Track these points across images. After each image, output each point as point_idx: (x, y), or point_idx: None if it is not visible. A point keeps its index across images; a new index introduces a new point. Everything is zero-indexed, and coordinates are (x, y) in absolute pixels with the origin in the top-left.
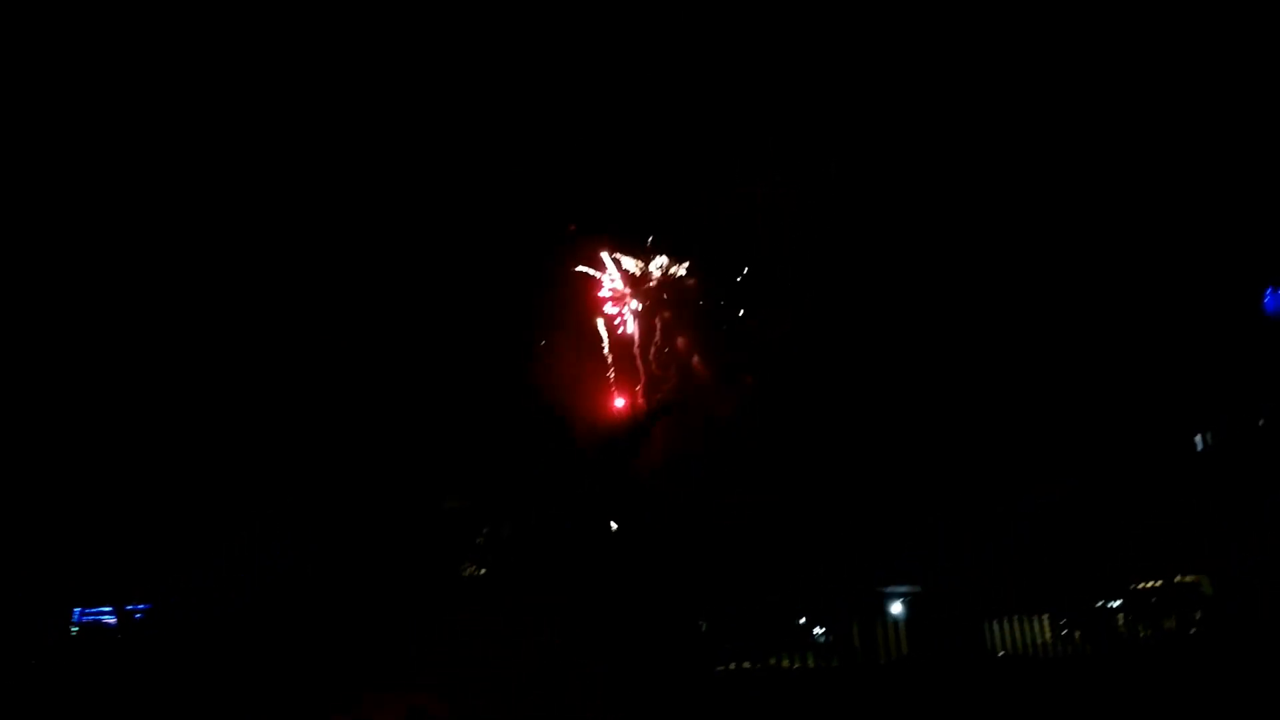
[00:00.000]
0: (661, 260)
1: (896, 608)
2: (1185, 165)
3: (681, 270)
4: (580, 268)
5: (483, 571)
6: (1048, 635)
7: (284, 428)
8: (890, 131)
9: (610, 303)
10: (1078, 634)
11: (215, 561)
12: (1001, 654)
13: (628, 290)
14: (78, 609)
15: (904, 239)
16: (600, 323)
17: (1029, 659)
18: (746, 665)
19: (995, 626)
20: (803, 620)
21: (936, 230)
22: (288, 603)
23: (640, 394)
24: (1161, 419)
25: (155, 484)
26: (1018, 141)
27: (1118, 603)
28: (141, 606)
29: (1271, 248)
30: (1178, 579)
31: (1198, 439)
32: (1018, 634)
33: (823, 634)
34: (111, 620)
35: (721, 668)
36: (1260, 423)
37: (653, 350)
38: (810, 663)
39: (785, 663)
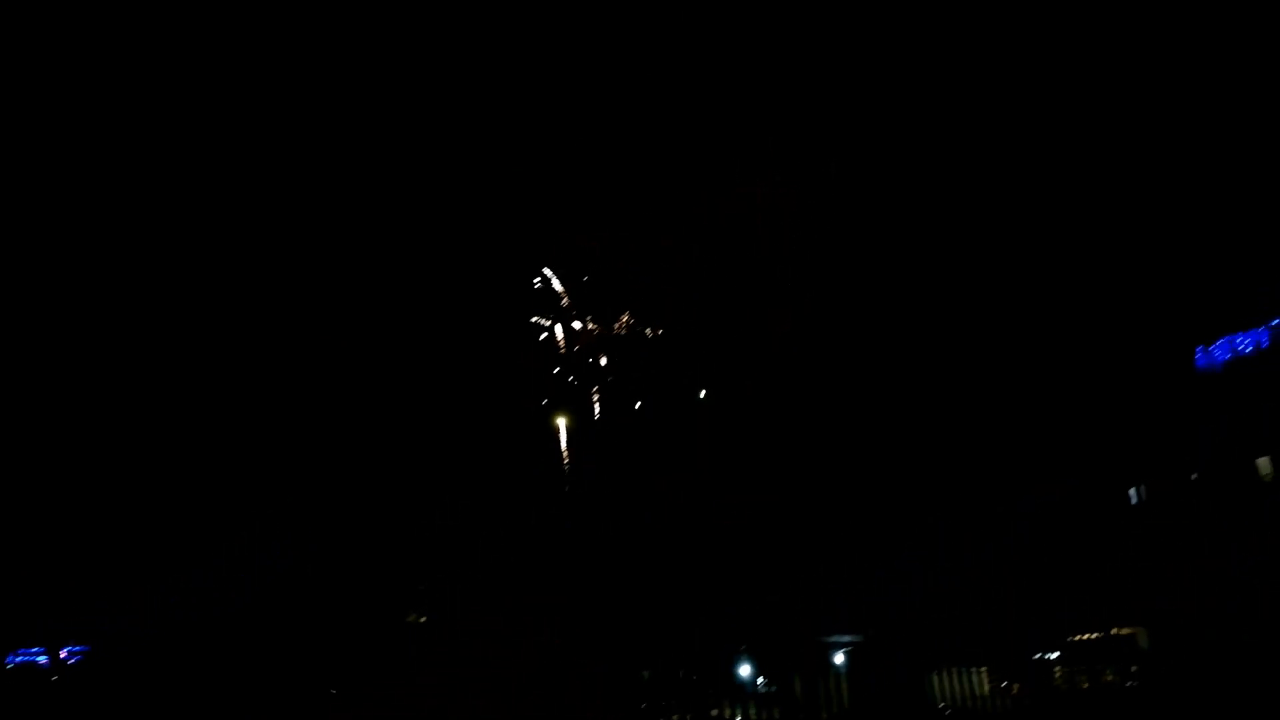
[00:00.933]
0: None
1: (839, 658)
2: (1131, 224)
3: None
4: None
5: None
6: (986, 687)
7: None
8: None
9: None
10: (1015, 686)
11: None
12: (942, 706)
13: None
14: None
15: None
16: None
17: (969, 711)
18: (688, 718)
19: (936, 678)
20: (744, 671)
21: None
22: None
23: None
24: (1096, 473)
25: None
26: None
27: (1055, 655)
28: (78, 649)
29: (1204, 307)
30: (1114, 631)
31: (1132, 493)
32: (958, 686)
33: (764, 684)
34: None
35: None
36: (1193, 477)
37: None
38: (752, 714)
39: (726, 714)
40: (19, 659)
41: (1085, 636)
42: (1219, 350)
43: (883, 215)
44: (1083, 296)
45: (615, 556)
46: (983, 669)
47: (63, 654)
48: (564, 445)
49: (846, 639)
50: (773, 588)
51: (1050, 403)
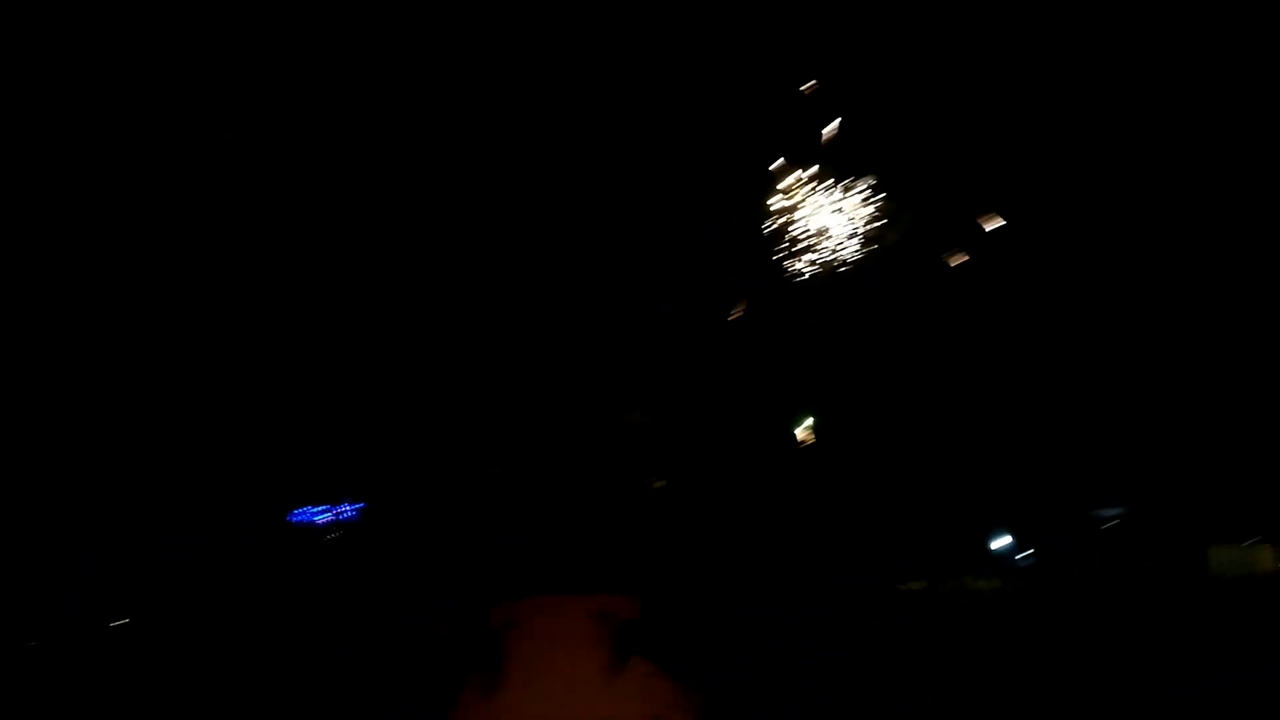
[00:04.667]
0: None
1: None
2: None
3: None
4: None
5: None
6: (1271, 564)
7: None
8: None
9: None
10: None
11: None
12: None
13: None
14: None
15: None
16: None
17: (1248, 588)
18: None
19: (1215, 552)
20: (1002, 541)
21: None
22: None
23: None
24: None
25: None
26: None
27: None
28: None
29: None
30: None
31: None
32: (1238, 560)
33: (1024, 557)
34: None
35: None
36: None
37: None
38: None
39: (979, 584)
40: (299, 517)
41: None
42: None
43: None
44: None
45: None
46: (1266, 545)
47: (340, 511)
48: None
49: (1111, 512)
50: (1033, 459)
51: None
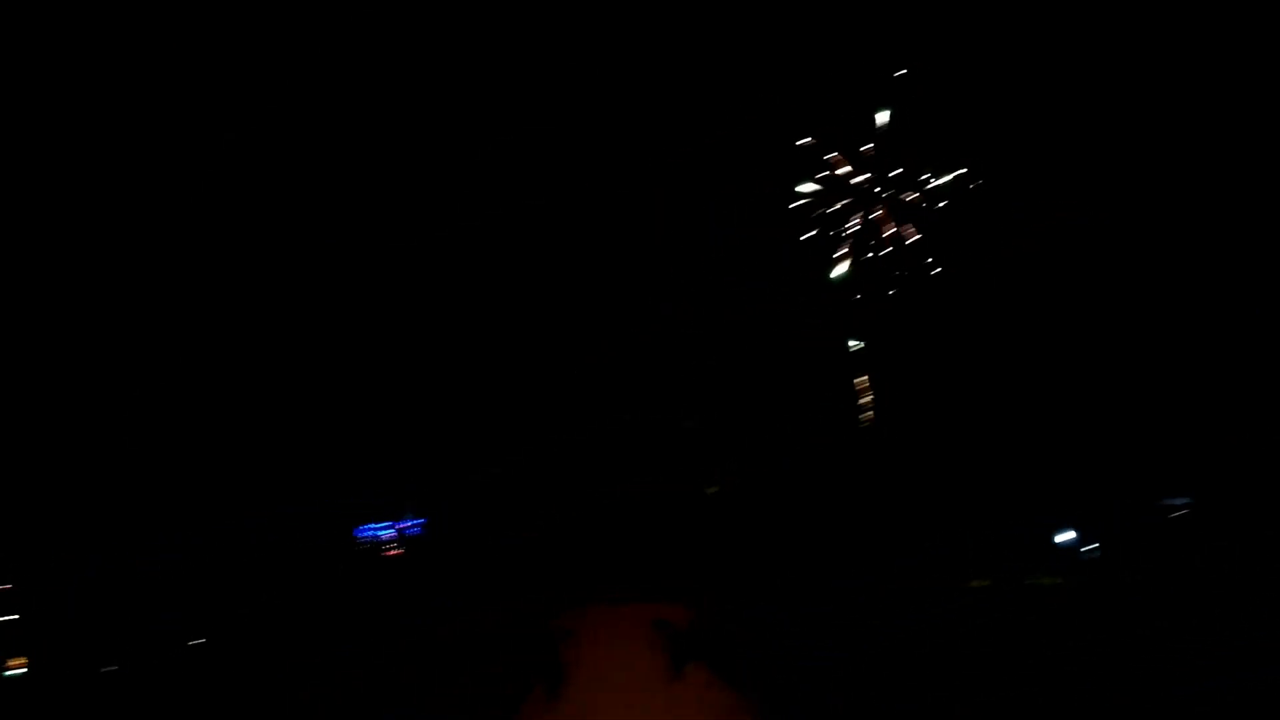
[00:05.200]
0: None
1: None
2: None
3: None
4: None
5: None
6: None
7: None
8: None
9: None
10: None
11: None
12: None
13: None
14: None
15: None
16: None
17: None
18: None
19: None
20: (1067, 535)
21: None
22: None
23: None
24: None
25: None
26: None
27: None
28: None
29: None
30: None
31: None
32: None
33: (1089, 550)
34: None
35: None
36: None
37: None
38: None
39: (1044, 581)
40: (365, 532)
41: None
42: None
43: None
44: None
45: None
46: None
47: (405, 526)
48: None
49: (1180, 501)
50: (1106, 452)
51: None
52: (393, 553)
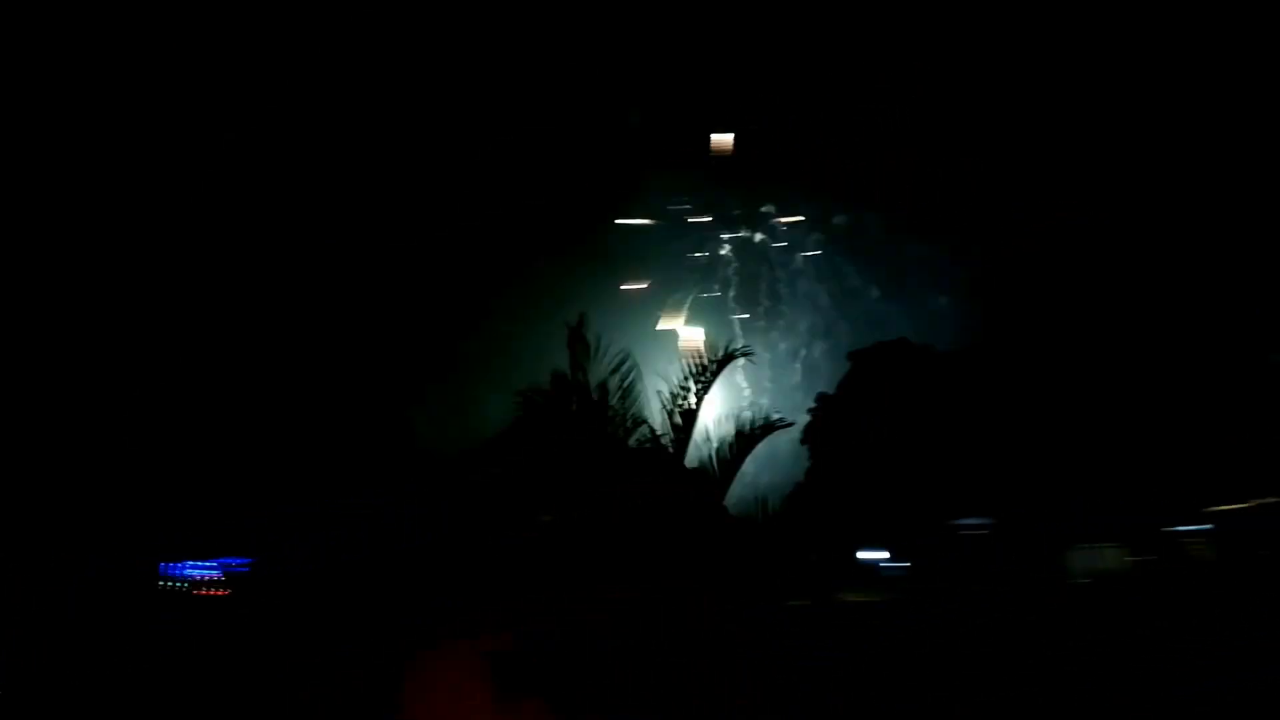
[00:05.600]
0: None
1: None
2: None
3: None
4: None
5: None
6: (1122, 561)
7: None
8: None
9: None
10: (1151, 559)
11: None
12: (1078, 579)
13: None
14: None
15: None
16: None
17: (1106, 585)
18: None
19: (1072, 555)
20: (872, 555)
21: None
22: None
23: None
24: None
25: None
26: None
27: (1195, 528)
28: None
29: None
30: (1260, 501)
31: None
32: (1095, 562)
33: (893, 569)
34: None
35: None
36: None
37: None
38: (877, 596)
39: (852, 597)
40: (184, 570)
41: (1229, 507)
42: None
43: None
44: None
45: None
46: (1119, 545)
47: (232, 565)
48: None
49: (975, 521)
50: (903, 474)
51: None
52: (217, 593)
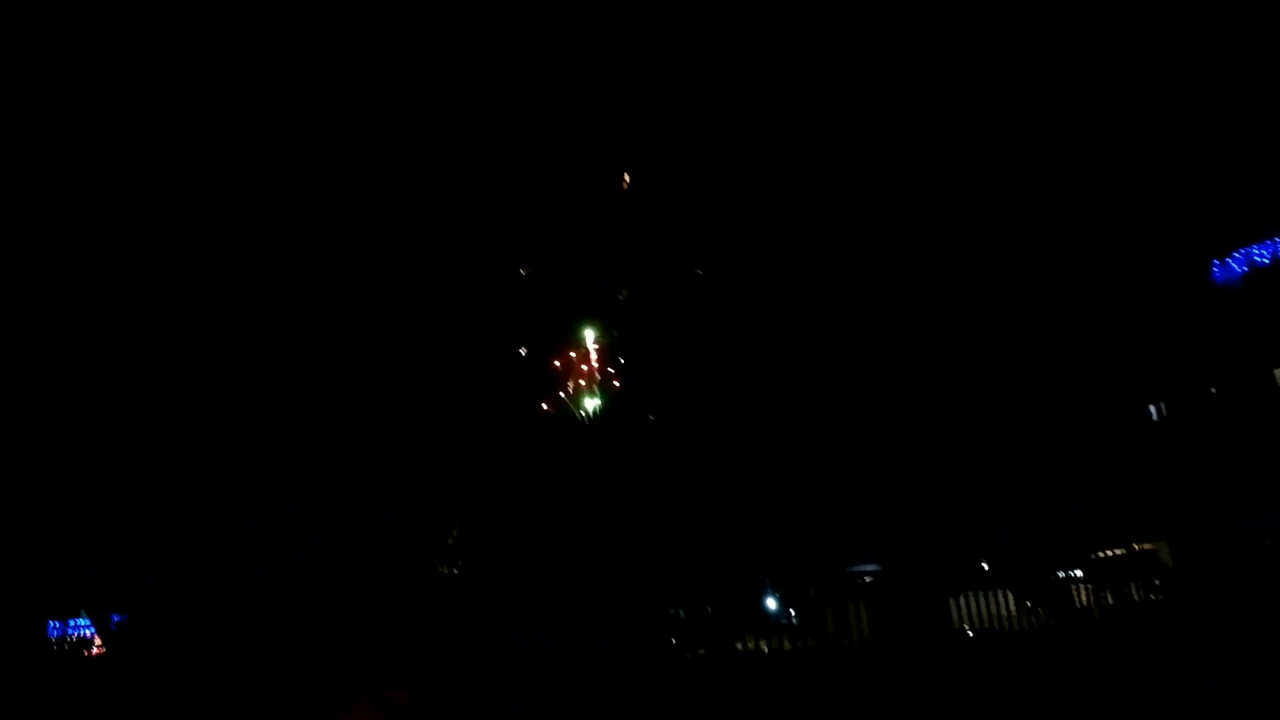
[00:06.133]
0: None
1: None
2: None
3: None
4: None
5: (456, 570)
6: (1012, 609)
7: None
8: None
9: None
10: (1040, 608)
11: (208, 560)
12: (966, 630)
13: None
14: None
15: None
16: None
17: (993, 633)
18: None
19: (958, 603)
20: (771, 604)
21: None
22: (271, 603)
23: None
24: (1115, 391)
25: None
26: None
27: (1079, 573)
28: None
29: (1217, 220)
30: (1137, 547)
31: (1151, 409)
32: (982, 610)
33: (793, 616)
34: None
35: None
36: (1212, 391)
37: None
38: (776, 644)
39: (751, 645)
40: (73, 630)
41: (1108, 553)
42: (1236, 263)
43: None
44: (1094, 215)
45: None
46: (1007, 592)
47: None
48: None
49: (869, 568)
50: (797, 521)
51: (1063, 325)
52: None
